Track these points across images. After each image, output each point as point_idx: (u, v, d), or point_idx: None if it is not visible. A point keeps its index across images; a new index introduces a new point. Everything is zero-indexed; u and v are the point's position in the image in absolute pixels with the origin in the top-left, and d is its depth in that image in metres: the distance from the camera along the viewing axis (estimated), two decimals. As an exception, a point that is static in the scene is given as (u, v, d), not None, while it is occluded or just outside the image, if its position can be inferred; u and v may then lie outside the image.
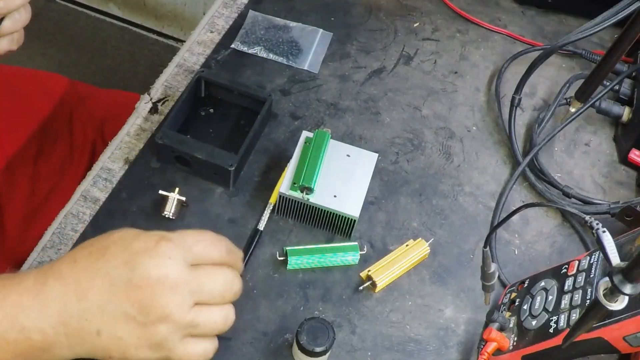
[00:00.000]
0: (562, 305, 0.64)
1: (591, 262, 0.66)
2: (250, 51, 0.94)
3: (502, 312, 0.71)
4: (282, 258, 0.76)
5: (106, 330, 0.57)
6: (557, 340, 0.62)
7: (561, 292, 0.66)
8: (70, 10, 2.12)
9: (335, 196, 0.77)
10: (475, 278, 0.76)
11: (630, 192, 0.87)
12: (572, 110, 0.86)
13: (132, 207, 0.79)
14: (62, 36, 2.01)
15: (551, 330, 0.63)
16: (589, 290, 0.63)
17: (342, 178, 0.78)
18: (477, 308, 0.76)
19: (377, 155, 0.81)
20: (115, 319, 0.57)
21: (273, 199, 0.80)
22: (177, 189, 0.78)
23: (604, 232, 0.54)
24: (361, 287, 0.76)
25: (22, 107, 1.01)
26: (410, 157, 0.87)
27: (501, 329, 0.68)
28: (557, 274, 0.68)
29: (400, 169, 0.86)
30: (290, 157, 0.79)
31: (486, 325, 0.69)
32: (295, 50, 0.95)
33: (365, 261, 0.78)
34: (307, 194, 0.76)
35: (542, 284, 0.69)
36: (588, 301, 0.62)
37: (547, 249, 0.82)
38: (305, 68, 0.93)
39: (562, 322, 0.63)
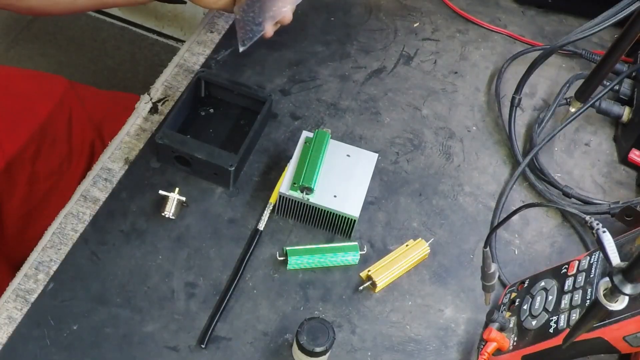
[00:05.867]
0: (562, 305, 0.64)
1: (591, 262, 0.66)
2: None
3: (502, 312, 0.71)
4: (282, 258, 0.76)
5: None
6: (557, 340, 0.62)
7: (561, 292, 0.66)
8: (70, 10, 2.11)
9: (335, 196, 0.77)
10: (475, 278, 0.76)
11: (630, 192, 0.87)
12: (572, 110, 0.86)
13: (132, 207, 0.79)
14: (62, 36, 2.01)
15: (551, 330, 0.63)
16: (589, 290, 0.63)
17: (342, 178, 0.78)
18: (477, 308, 0.76)
19: (377, 155, 0.81)
20: None
21: (273, 199, 0.80)
22: (177, 189, 0.78)
23: (604, 232, 0.54)
24: (361, 287, 0.76)
25: (22, 108, 1.01)
26: (410, 157, 0.87)
27: (501, 329, 0.68)
28: (557, 274, 0.68)
29: (400, 169, 0.86)
30: (290, 157, 0.79)
31: (486, 325, 0.69)
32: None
33: (365, 261, 0.78)
34: (307, 194, 0.76)
35: (542, 284, 0.69)
36: (588, 301, 0.62)
37: (547, 249, 0.82)
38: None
39: (562, 322, 0.63)
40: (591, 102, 0.86)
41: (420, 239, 0.79)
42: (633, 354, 0.70)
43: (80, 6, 0.90)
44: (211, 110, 0.88)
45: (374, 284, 0.76)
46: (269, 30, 0.85)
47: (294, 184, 0.76)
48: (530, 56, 0.94)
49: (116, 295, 0.73)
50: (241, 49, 0.84)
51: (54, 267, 0.75)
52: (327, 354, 0.68)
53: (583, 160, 0.90)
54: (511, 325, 0.68)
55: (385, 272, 0.76)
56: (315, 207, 0.77)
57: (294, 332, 0.67)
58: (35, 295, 0.73)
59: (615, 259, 0.52)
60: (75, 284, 0.74)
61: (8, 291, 0.73)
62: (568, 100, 0.88)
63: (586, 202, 0.83)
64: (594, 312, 0.54)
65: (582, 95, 0.84)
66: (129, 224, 0.78)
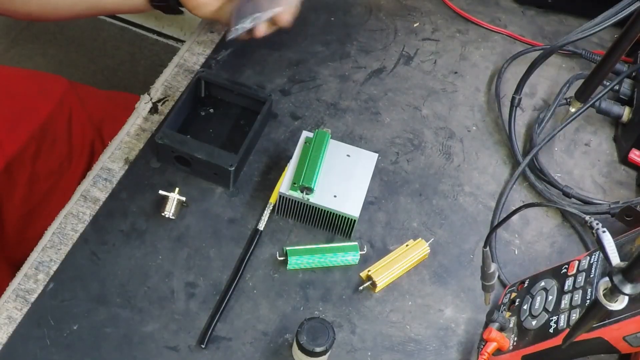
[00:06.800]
0: (562, 305, 0.64)
1: (591, 262, 0.66)
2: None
3: (502, 312, 0.71)
4: (282, 258, 0.76)
5: None
6: (557, 340, 0.62)
7: (561, 292, 0.66)
8: (70, 11, 2.10)
9: (335, 196, 0.77)
10: (475, 278, 0.76)
11: (630, 192, 0.87)
12: (572, 110, 0.86)
13: (132, 207, 0.79)
14: (62, 36, 2.01)
15: (551, 330, 0.63)
16: (589, 290, 0.63)
17: (342, 178, 0.78)
18: (477, 308, 0.76)
19: (377, 155, 0.81)
20: None
21: (273, 199, 0.80)
22: (177, 189, 0.78)
23: (604, 232, 0.54)
24: (361, 287, 0.76)
25: (22, 108, 1.01)
26: (410, 157, 0.87)
27: (501, 329, 0.68)
28: (557, 274, 0.68)
29: (400, 169, 0.86)
30: (290, 157, 0.79)
31: (486, 325, 0.69)
32: None
33: (365, 261, 0.78)
34: (307, 194, 0.76)
35: (542, 284, 0.69)
36: (588, 301, 0.62)
37: (547, 249, 0.82)
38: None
39: (562, 322, 0.63)
40: (591, 102, 0.86)
41: (420, 239, 0.79)
42: (633, 354, 0.70)
43: (78, 12, 0.90)
44: (211, 110, 0.88)
45: (374, 284, 0.76)
46: (262, 29, 0.84)
47: (294, 184, 0.76)
48: (530, 56, 0.94)
49: (116, 295, 0.73)
50: (230, 36, 0.82)
51: (54, 267, 0.75)
52: (327, 354, 0.68)
53: (583, 160, 0.90)
54: (511, 325, 0.68)
55: (385, 272, 0.76)
56: (315, 207, 0.77)
57: (294, 332, 0.67)
58: (35, 295, 0.73)
59: (615, 259, 0.52)
60: (75, 284, 0.74)
61: (8, 291, 0.73)
62: (568, 100, 0.88)
63: (586, 202, 0.83)
64: (594, 312, 0.54)
65: (582, 95, 0.84)
66: (129, 224, 0.78)
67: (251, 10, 0.82)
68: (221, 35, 0.96)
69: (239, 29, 0.83)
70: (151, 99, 0.89)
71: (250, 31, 0.84)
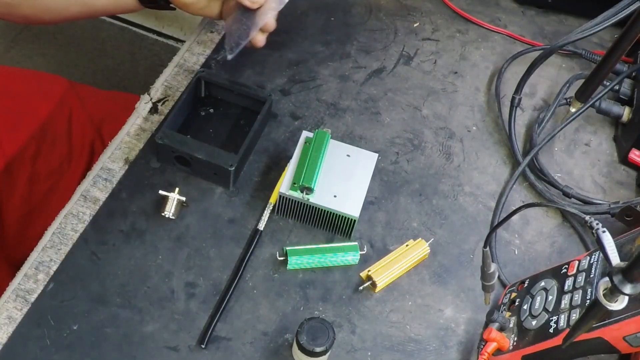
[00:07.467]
0: (562, 305, 0.64)
1: (591, 262, 0.66)
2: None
3: (502, 312, 0.71)
4: (282, 258, 0.76)
5: None
6: (557, 340, 0.62)
7: (561, 292, 0.66)
8: (70, 10, 2.10)
9: (335, 196, 0.77)
10: (475, 278, 0.76)
11: (630, 192, 0.87)
12: (572, 110, 0.86)
13: (132, 207, 0.79)
14: (62, 36, 2.01)
15: (551, 330, 0.63)
16: (589, 290, 0.63)
17: (342, 178, 0.78)
18: (477, 308, 0.76)
19: (377, 155, 0.81)
20: None
21: (273, 199, 0.80)
22: (177, 189, 0.78)
23: (604, 232, 0.54)
24: (361, 287, 0.76)
25: (22, 108, 1.01)
26: (410, 157, 0.87)
27: (501, 329, 0.68)
28: (557, 274, 0.68)
29: (400, 169, 0.86)
30: (290, 157, 0.79)
31: (486, 325, 0.69)
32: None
33: (365, 261, 0.78)
34: (307, 194, 0.76)
35: (542, 284, 0.69)
36: (588, 301, 0.62)
37: (547, 249, 0.82)
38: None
39: (562, 322, 0.63)
40: (591, 102, 0.86)
41: (420, 239, 0.79)
42: (633, 354, 0.70)
43: (71, 14, 0.90)
44: (211, 110, 0.88)
45: (374, 284, 0.76)
46: (259, 39, 0.85)
47: (294, 184, 0.76)
48: (530, 56, 0.94)
49: (116, 295, 0.73)
50: (229, 57, 0.84)
51: (54, 267, 0.75)
52: (327, 354, 0.68)
53: (583, 160, 0.90)
54: (511, 325, 0.68)
55: (385, 272, 0.76)
56: (315, 207, 0.77)
57: (294, 332, 0.67)
58: (35, 295, 0.73)
59: (615, 259, 0.52)
60: (75, 284, 0.74)
61: (8, 291, 0.73)
62: (568, 100, 0.88)
63: (586, 202, 0.83)
64: (594, 312, 0.54)
65: (582, 95, 0.84)
66: (129, 224, 0.78)
67: (244, 30, 0.83)
68: (221, 35, 0.96)
69: (235, 50, 0.84)
70: (151, 99, 0.89)
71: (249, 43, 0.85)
